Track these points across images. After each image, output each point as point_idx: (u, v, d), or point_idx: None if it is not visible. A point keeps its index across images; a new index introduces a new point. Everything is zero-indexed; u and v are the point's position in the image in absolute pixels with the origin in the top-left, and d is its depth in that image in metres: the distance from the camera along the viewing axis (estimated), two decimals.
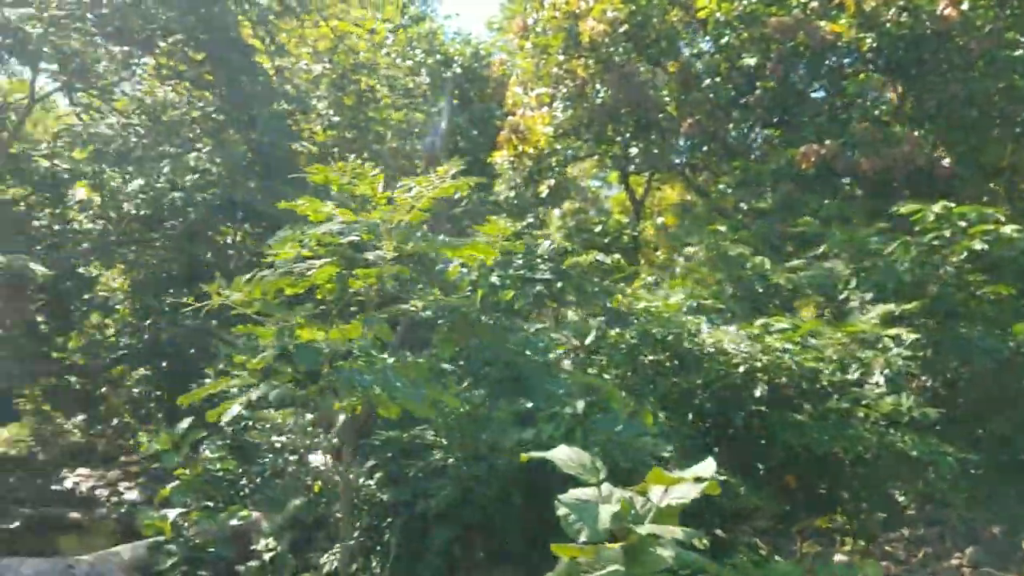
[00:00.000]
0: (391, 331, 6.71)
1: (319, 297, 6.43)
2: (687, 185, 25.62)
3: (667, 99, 21.74)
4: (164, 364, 21.61)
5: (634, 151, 22.08)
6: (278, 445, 7.68)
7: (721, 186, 21.94)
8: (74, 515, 19.06)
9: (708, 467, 4.10)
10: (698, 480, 3.99)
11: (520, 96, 22.96)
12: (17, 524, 17.51)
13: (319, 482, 7.71)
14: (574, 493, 4.09)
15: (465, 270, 7.54)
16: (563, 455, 3.96)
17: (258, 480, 8.48)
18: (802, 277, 10.12)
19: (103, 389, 26.43)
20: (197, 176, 11.34)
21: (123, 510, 19.60)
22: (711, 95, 21.06)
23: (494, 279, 7.57)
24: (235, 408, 5.61)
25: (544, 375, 7.53)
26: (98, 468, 23.47)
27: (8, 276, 11.97)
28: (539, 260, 8.01)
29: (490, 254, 6.84)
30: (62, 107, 22.44)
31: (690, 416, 8.04)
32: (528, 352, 7.55)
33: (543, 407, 7.09)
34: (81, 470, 23.26)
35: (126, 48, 14.98)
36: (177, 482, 7.98)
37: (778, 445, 7.78)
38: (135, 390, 25.89)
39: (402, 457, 7.89)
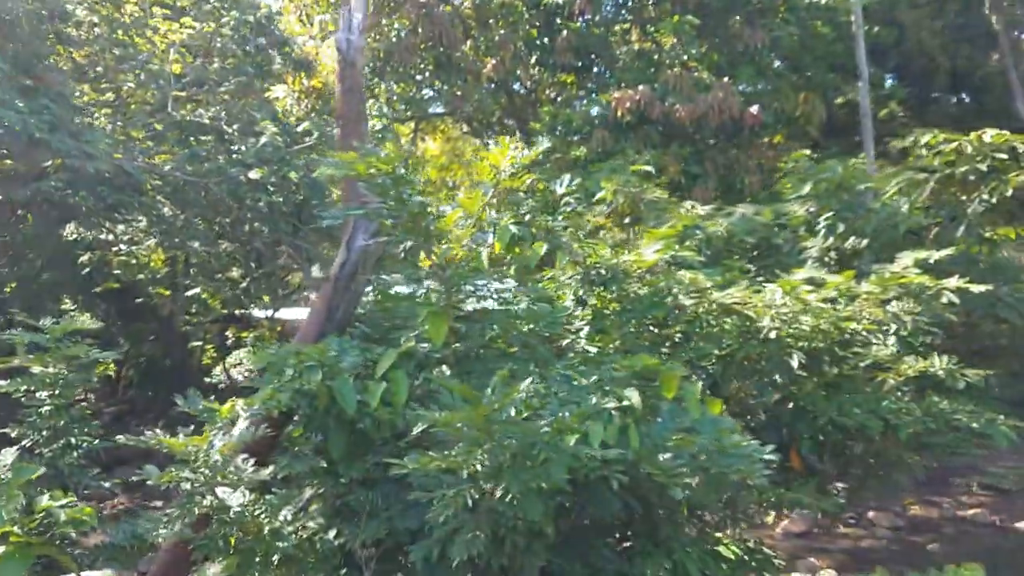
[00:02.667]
0: None
1: None
2: (473, 134, 24.03)
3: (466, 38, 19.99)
4: None
5: (429, 93, 20.08)
6: (186, 485, 5.08)
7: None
8: None
9: None
10: None
11: (295, 24, 20.04)
12: None
13: (237, 529, 5.26)
14: None
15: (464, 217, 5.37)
16: None
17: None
18: (737, 224, 8.96)
19: None
20: None
21: None
22: (512, 36, 19.60)
23: (512, 227, 5.50)
24: None
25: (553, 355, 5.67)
26: None
27: None
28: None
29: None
30: None
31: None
32: (539, 326, 5.63)
33: (579, 400, 5.22)
34: None
35: None
36: (5, 548, 5.10)
37: (805, 423, 6.56)
38: None
39: (363, 487, 5.67)
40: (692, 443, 5.00)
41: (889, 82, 27.28)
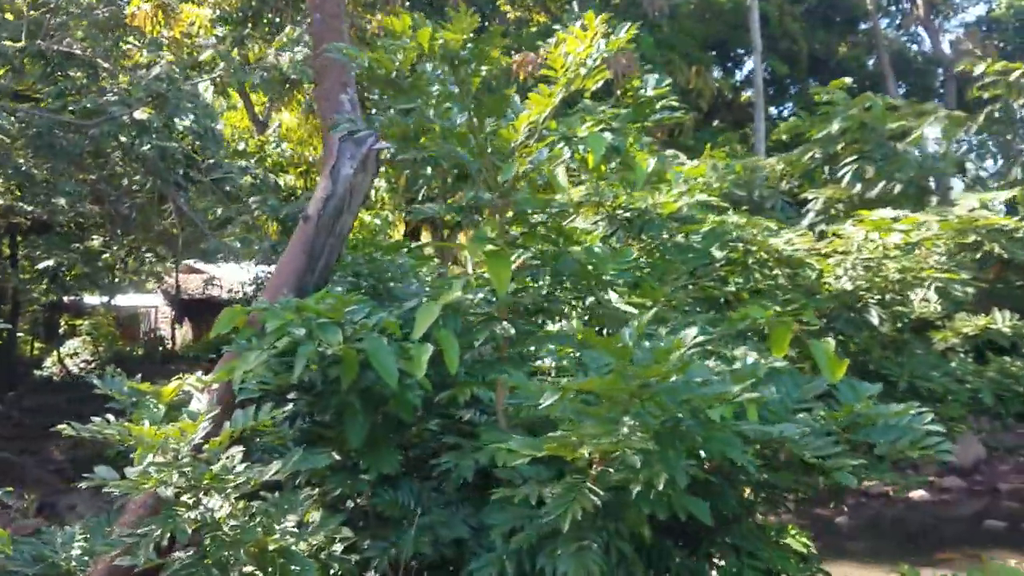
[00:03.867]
0: None
1: None
2: None
3: None
4: None
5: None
6: (166, 491, 3.46)
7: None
8: None
9: None
10: None
11: None
12: None
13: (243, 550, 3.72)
14: None
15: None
16: None
17: None
18: (724, 175, 8.06)
19: None
20: None
21: None
22: None
23: (608, 136, 4.21)
24: None
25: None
26: None
27: None
28: None
29: None
30: None
31: None
32: (610, 273, 4.39)
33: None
34: None
35: None
36: None
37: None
38: None
39: (387, 485, 4.25)
40: (840, 415, 3.93)
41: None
